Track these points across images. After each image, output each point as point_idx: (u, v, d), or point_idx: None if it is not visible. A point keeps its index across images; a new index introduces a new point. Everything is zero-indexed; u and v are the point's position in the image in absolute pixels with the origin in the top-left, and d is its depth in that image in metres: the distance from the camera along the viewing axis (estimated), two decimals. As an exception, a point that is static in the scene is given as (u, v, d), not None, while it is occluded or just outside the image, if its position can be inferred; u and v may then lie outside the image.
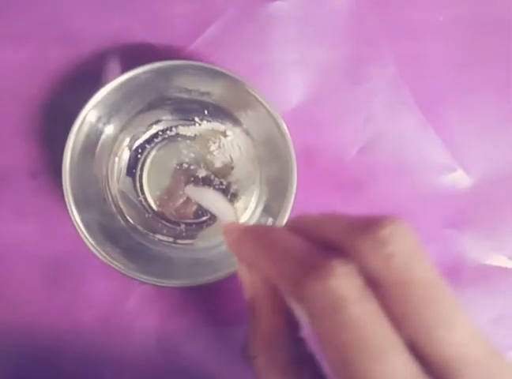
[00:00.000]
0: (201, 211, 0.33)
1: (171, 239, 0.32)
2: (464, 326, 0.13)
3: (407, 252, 0.14)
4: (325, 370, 0.16)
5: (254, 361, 0.17)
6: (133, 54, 0.32)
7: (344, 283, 0.13)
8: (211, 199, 0.26)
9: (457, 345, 0.13)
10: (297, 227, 0.17)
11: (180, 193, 0.32)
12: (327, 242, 0.15)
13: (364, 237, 0.14)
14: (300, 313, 0.15)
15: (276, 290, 0.17)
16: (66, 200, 0.27)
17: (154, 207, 0.33)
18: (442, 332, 0.13)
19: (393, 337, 0.13)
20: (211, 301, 0.33)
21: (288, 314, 0.17)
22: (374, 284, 0.14)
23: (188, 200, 0.32)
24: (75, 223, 0.27)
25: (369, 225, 0.14)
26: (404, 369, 0.13)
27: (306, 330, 0.16)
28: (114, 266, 0.27)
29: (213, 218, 0.33)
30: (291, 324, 0.17)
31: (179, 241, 0.32)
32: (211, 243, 0.32)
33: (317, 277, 0.13)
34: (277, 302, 0.17)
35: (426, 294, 0.13)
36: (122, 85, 0.28)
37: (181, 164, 0.33)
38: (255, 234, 0.17)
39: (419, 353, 0.13)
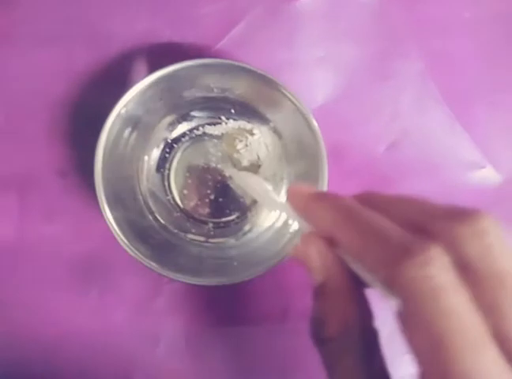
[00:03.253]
0: (228, 210, 0.33)
1: (202, 238, 0.32)
2: None
3: (503, 245, 0.14)
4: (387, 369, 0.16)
5: (325, 345, 0.16)
6: (161, 55, 0.32)
7: (444, 271, 0.13)
8: (254, 183, 0.26)
9: None
10: (369, 201, 0.17)
11: (208, 191, 0.32)
12: (409, 222, 0.15)
13: (463, 224, 0.14)
14: (387, 293, 0.14)
15: (350, 273, 0.16)
16: (99, 197, 0.27)
17: (181, 205, 0.32)
18: None
19: (486, 329, 0.13)
20: (240, 300, 0.32)
21: (362, 301, 0.16)
22: (466, 272, 0.14)
23: (214, 199, 0.32)
24: (107, 221, 0.27)
25: (465, 213, 0.14)
26: (497, 361, 0.13)
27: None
28: (145, 263, 0.27)
29: (242, 216, 0.32)
30: (366, 311, 0.16)
31: (210, 240, 0.32)
32: (242, 242, 0.32)
33: (418, 263, 0.13)
34: (352, 286, 0.16)
35: None
36: (152, 84, 0.28)
37: (208, 163, 0.33)
38: (334, 203, 0.17)
39: (503, 345, 0.13)
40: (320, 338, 0.17)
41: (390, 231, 0.15)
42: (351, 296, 0.16)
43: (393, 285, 0.14)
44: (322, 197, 0.17)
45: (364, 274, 0.16)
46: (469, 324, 0.13)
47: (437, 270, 0.13)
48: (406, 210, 0.16)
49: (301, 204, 0.18)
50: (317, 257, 0.17)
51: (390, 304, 0.15)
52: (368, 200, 0.17)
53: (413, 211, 0.16)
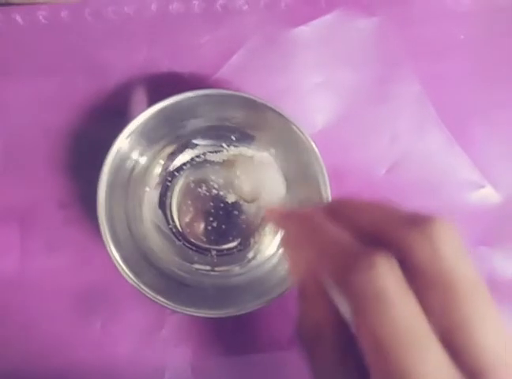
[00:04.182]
0: (231, 236, 0.33)
1: (207, 267, 0.32)
2: (498, 329, 0.14)
3: (454, 249, 0.14)
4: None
5: (303, 342, 0.17)
6: (160, 85, 0.32)
7: (388, 275, 0.14)
8: (265, 174, 0.27)
9: (490, 346, 0.13)
10: (338, 209, 0.17)
11: (210, 218, 0.32)
12: (369, 229, 0.16)
13: (414, 230, 0.15)
14: (340, 301, 0.15)
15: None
16: (102, 230, 0.27)
17: (184, 234, 0.32)
18: (478, 330, 0.14)
19: (430, 331, 0.13)
20: (246, 328, 0.32)
21: (335, 307, 0.17)
22: (414, 276, 0.14)
23: (217, 226, 0.32)
24: (111, 254, 0.27)
25: (419, 219, 0.15)
26: (441, 363, 0.13)
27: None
28: (150, 297, 0.27)
29: (245, 243, 0.32)
30: (340, 317, 0.17)
31: (216, 268, 0.32)
32: (247, 269, 0.32)
33: (361, 268, 0.14)
34: (323, 287, 0.17)
35: (466, 291, 0.14)
36: (153, 116, 0.28)
37: (210, 190, 0.33)
38: (297, 217, 0.18)
39: (448, 346, 0.13)
40: (299, 335, 0.17)
41: (342, 242, 0.15)
42: (322, 301, 0.17)
43: (340, 290, 0.14)
44: (289, 214, 0.19)
45: (325, 283, 0.16)
46: (411, 327, 0.13)
47: (380, 275, 0.14)
48: (369, 218, 0.16)
49: (274, 221, 0.19)
50: (291, 257, 0.18)
51: (342, 311, 0.15)
52: (337, 209, 0.18)
53: (375, 219, 0.16)
